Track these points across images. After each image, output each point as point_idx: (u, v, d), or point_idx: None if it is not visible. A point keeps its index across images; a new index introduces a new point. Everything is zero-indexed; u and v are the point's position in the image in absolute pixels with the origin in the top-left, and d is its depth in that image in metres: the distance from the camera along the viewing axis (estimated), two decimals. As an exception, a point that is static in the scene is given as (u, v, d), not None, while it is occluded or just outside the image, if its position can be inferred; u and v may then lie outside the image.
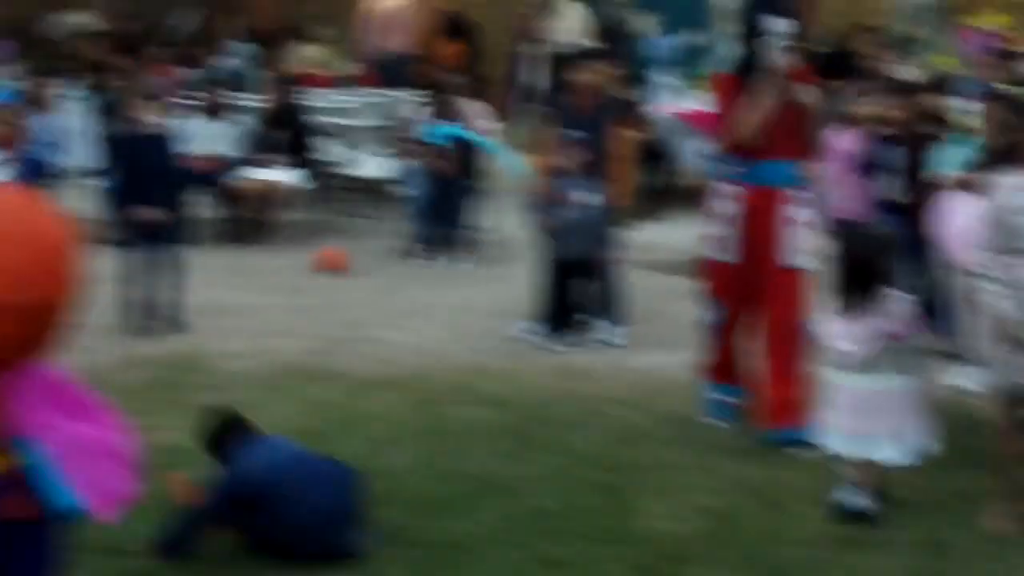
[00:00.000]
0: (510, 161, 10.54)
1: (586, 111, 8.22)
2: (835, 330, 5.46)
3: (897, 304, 5.40)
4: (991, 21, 14.97)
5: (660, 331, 8.38)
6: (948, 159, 6.52)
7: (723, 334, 6.47)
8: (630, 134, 9.11)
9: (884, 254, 5.49)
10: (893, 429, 5.37)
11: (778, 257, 6.20)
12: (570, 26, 15.49)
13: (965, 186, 6.26)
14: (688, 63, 14.61)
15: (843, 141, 8.25)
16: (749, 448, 6.23)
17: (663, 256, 10.54)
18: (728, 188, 6.29)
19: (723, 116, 6.30)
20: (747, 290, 6.29)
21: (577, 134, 7.95)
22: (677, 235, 11.19)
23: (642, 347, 8.07)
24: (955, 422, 5.99)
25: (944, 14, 14.93)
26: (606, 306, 8.28)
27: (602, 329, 8.22)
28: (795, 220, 6.23)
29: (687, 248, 10.56)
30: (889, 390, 5.37)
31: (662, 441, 6.37)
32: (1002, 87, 7.58)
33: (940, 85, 7.77)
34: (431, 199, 10.59)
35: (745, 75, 6.16)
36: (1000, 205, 5.11)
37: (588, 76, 8.27)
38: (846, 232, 6.16)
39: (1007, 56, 10.82)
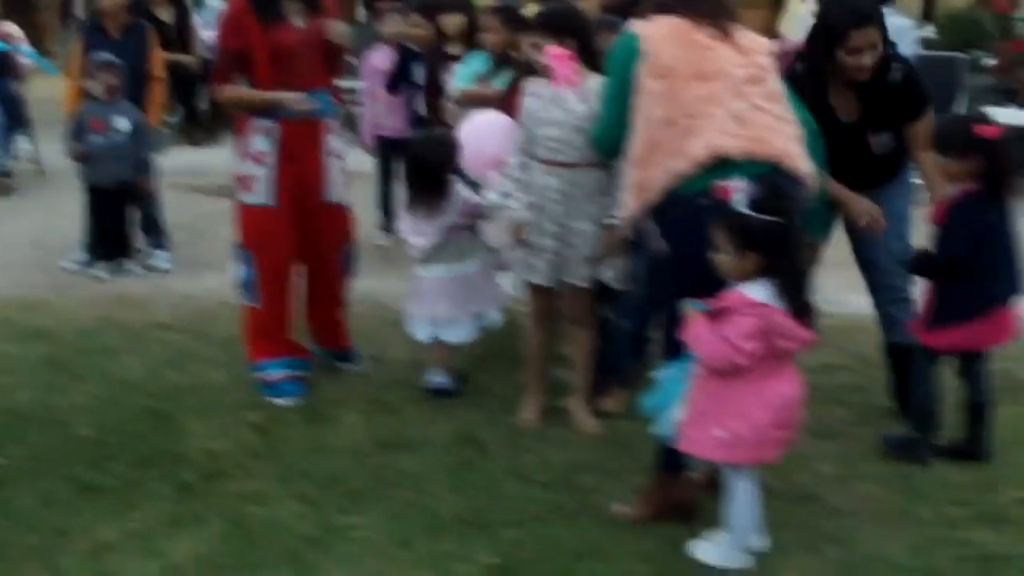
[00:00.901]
0: (45, 66, 10.17)
1: (117, 34, 8.04)
2: (408, 227, 5.84)
3: (459, 199, 5.80)
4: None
5: (205, 254, 8.41)
6: (464, 74, 6.74)
7: (269, 288, 5.92)
8: (165, 56, 8.98)
9: (448, 156, 5.77)
10: (461, 311, 5.90)
11: (322, 193, 5.90)
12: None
13: (471, 98, 6.53)
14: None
15: (377, 59, 8.48)
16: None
17: (208, 179, 10.51)
18: (262, 123, 5.75)
19: (221, 47, 5.78)
20: (289, 233, 5.85)
21: (107, 57, 7.75)
22: (223, 157, 11.17)
23: (187, 270, 8.05)
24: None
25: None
26: (149, 231, 8.19)
27: (146, 254, 8.13)
28: (334, 152, 5.92)
29: (231, 171, 10.57)
30: (456, 276, 5.86)
31: (208, 362, 6.38)
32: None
33: (464, 5, 7.96)
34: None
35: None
36: (523, 110, 5.39)
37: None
38: (414, 138, 6.47)
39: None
